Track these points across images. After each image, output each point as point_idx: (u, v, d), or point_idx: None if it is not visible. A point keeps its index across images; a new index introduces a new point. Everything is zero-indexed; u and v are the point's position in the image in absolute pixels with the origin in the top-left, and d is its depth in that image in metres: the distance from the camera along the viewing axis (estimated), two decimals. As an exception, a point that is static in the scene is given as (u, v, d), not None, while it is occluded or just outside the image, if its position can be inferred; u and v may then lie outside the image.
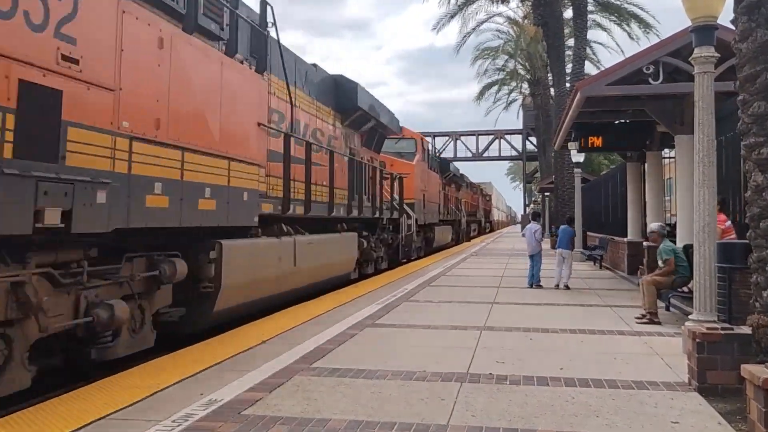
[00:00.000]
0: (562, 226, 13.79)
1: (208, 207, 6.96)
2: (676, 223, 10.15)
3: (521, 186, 75.95)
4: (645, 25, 30.21)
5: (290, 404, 4.47)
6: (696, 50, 5.61)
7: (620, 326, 7.90)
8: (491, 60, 46.08)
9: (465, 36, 36.38)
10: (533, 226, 13.21)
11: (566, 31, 30.15)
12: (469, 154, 64.61)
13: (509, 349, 6.46)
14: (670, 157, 14.65)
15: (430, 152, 26.24)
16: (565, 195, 26.48)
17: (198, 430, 3.95)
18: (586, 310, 9.36)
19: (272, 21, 8.99)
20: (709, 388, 4.79)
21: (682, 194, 9.96)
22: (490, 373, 5.37)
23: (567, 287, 12.07)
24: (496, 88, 50.84)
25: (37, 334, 4.83)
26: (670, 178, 16.57)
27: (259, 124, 8.45)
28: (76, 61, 4.92)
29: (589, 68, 34.29)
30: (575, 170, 21.64)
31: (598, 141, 15.54)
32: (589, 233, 21.84)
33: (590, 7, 28.33)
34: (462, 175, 39.33)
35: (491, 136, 64.13)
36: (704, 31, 5.59)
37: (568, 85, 25.49)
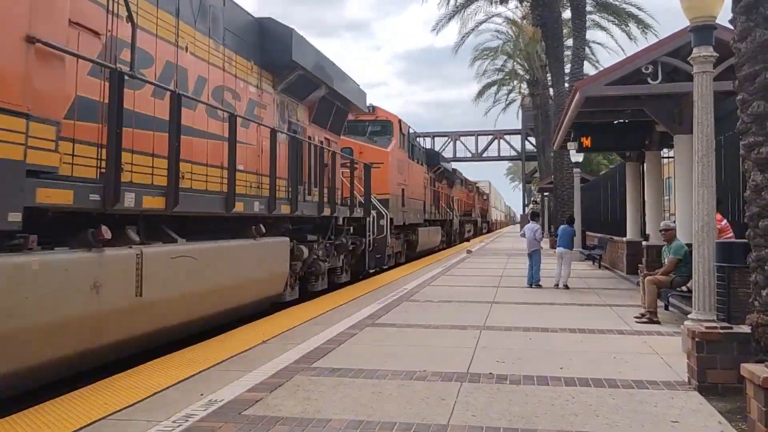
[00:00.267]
0: (562, 226, 13.80)
1: None
2: (675, 222, 10.14)
3: (521, 186, 75.99)
4: (644, 26, 30.25)
5: (290, 404, 4.47)
6: (695, 50, 5.62)
7: (620, 325, 7.91)
8: (490, 60, 46.16)
9: (464, 36, 36.48)
10: (533, 225, 13.24)
11: (565, 31, 30.17)
12: (469, 155, 64.65)
13: (509, 348, 6.47)
14: (669, 157, 14.68)
15: (414, 140, 22.51)
16: (564, 195, 26.49)
17: (198, 430, 3.95)
18: (586, 310, 9.37)
19: None
20: (708, 387, 4.80)
21: (681, 194, 9.97)
22: (491, 373, 5.37)
23: (566, 287, 12.08)
24: (495, 88, 50.88)
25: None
26: (669, 177, 16.60)
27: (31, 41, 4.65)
28: None
29: (588, 68, 34.32)
30: (574, 170, 21.67)
31: (597, 141, 15.56)
32: (588, 233, 21.86)
33: (589, 8, 28.35)
34: (455, 170, 36.71)
35: (490, 137, 64.18)
36: (703, 30, 5.60)
37: (567, 85, 25.51)
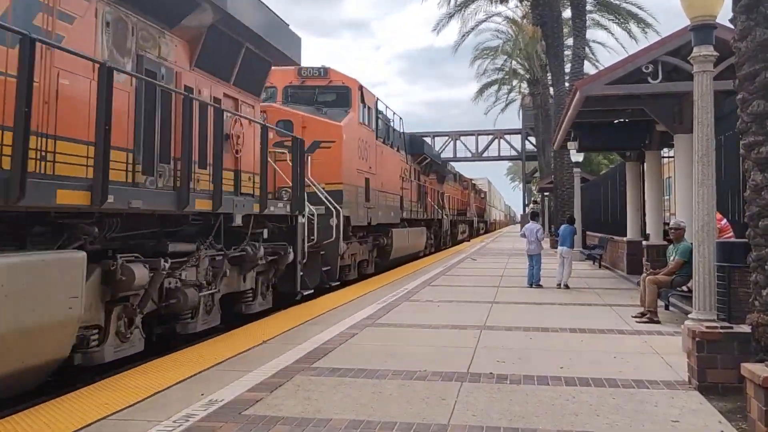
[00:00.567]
0: (563, 225, 13.79)
1: None
2: (683, 222, 10.12)
3: (521, 186, 75.97)
4: (644, 24, 30.24)
5: (291, 404, 4.47)
6: (695, 49, 5.61)
7: (620, 325, 7.91)
8: (490, 60, 46.14)
9: (464, 36, 36.50)
10: (534, 225, 13.19)
11: (565, 30, 30.16)
12: (469, 154, 64.62)
13: (509, 348, 6.47)
14: (669, 157, 14.68)
15: (386, 118, 17.93)
16: (564, 195, 26.48)
17: (199, 430, 3.95)
18: (586, 310, 9.37)
19: None
20: (709, 387, 4.80)
21: (682, 193, 9.97)
22: (491, 373, 5.37)
23: (567, 286, 12.08)
24: (495, 87, 50.85)
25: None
26: (669, 177, 16.60)
27: None
28: None
29: (588, 68, 34.30)
30: (574, 170, 21.67)
31: (597, 140, 15.58)
32: (588, 233, 21.86)
33: (589, 6, 28.35)
34: (446, 163, 33.33)
35: (491, 136, 64.14)
36: (703, 30, 5.59)
37: (567, 84, 25.49)
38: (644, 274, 9.06)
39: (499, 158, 67.67)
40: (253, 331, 7.38)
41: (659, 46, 9.94)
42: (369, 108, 15.17)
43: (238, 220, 7.96)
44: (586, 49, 31.98)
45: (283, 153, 10.56)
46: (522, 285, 12.45)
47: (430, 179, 25.88)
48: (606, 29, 34.78)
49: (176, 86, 7.01)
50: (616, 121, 14.13)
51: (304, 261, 10.22)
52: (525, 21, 37.13)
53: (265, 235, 9.00)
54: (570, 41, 28.56)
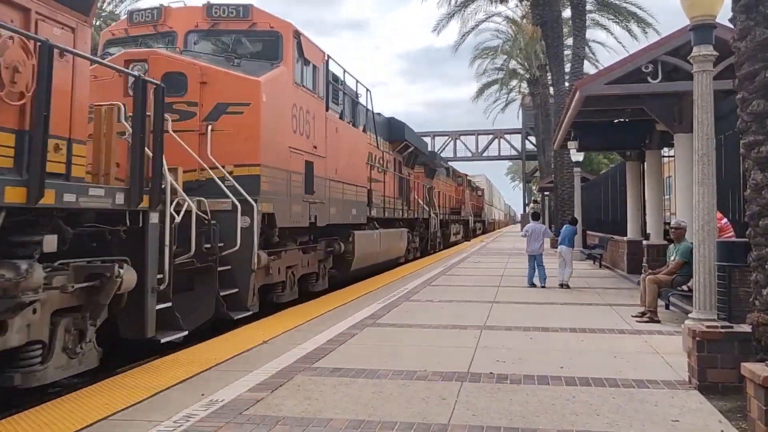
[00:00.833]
0: (565, 225, 13.76)
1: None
2: (684, 222, 10.13)
3: (521, 185, 76.00)
4: (644, 24, 30.23)
5: (291, 404, 4.48)
6: (695, 49, 5.61)
7: (620, 325, 7.91)
8: (490, 60, 46.14)
9: (464, 35, 36.47)
10: (539, 225, 13.09)
11: (565, 30, 30.15)
12: (469, 154, 64.64)
13: (510, 348, 6.47)
14: (669, 156, 14.67)
15: (351, 91, 14.08)
16: (564, 194, 26.48)
17: (199, 430, 3.95)
18: (587, 309, 9.37)
19: None
20: (709, 387, 4.80)
21: (682, 193, 9.97)
22: (491, 373, 5.37)
23: (567, 286, 12.08)
24: (495, 87, 50.88)
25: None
26: (669, 176, 16.59)
27: None
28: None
29: (588, 67, 34.31)
30: (575, 169, 21.66)
31: (597, 140, 15.58)
32: (588, 232, 21.86)
33: (589, 6, 28.34)
34: (434, 153, 29.30)
35: (491, 136, 64.17)
36: (703, 29, 5.59)
37: (567, 84, 25.49)
38: (644, 274, 9.06)
39: (499, 158, 67.72)
40: (254, 331, 7.38)
41: (659, 46, 9.94)
42: (314, 67, 10.88)
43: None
44: (586, 48, 31.98)
45: (175, 118, 7.73)
46: (522, 285, 12.44)
47: (417, 172, 22.51)
48: (606, 29, 34.81)
49: None
50: (616, 121, 14.14)
51: (164, 287, 6.09)
52: (525, 21, 37.19)
53: (53, 247, 4.84)
54: (570, 41, 28.56)
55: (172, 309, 6.32)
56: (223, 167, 8.11)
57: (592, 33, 36.33)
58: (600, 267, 17.32)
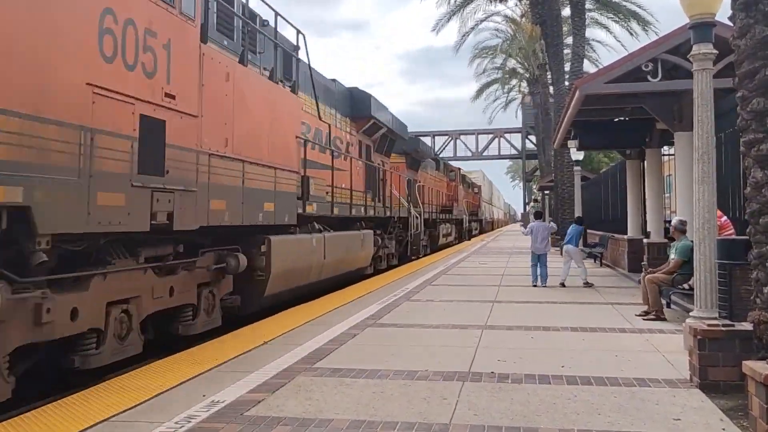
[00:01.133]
0: (571, 225, 13.75)
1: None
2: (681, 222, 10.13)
3: (521, 185, 75.99)
4: (644, 23, 30.22)
5: (292, 405, 4.48)
6: (694, 47, 5.61)
7: (621, 324, 7.91)
8: (490, 59, 46.15)
9: (464, 36, 36.50)
10: (543, 224, 13.07)
11: (564, 29, 30.15)
12: (469, 153, 64.63)
13: (510, 347, 6.47)
14: (669, 154, 14.67)
15: (273, 32, 10.05)
16: (565, 193, 26.47)
17: (201, 431, 3.95)
18: (587, 308, 9.36)
19: None
20: (710, 385, 4.80)
21: (682, 191, 9.97)
22: (492, 372, 5.37)
23: (563, 285, 12.09)
24: (495, 87, 50.90)
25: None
26: (669, 175, 16.59)
27: None
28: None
29: (588, 66, 34.31)
30: (575, 168, 21.65)
31: (597, 139, 15.58)
32: (589, 231, 21.84)
33: (588, 5, 28.33)
34: (418, 139, 24.55)
35: (491, 135, 64.15)
36: (702, 28, 5.59)
37: (566, 83, 25.49)
38: (643, 273, 9.06)
39: (500, 157, 67.64)
40: (255, 331, 7.38)
41: (658, 45, 9.95)
42: None
43: None
44: (586, 47, 31.96)
45: None
46: (523, 284, 12.44)
47: (397, 162, 19.58)
48: (605, 28, 34.80)
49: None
50: (616, 120, 14.15)
51: None
52: (524, 20, 37.20)
53: None
54: (569, 40, 28.55)
55: None
56: None
57: (591, 32, 36.32)
58: (601, 265, 17.32)
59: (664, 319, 8.01)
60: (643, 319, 8.10)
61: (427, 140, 58.24)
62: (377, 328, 7.61)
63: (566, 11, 28.66)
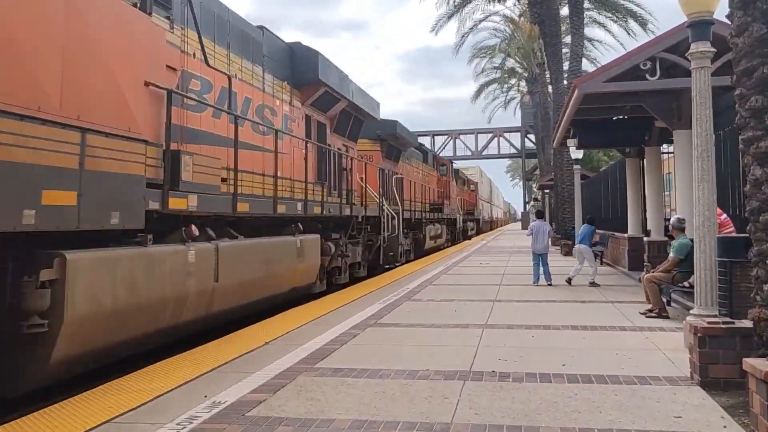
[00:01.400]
0: (584, 225, 13.74)
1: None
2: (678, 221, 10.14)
3: (521, 184, 76.00)
4: (641, 21, 30.23)
5: (294, 405, 4.48)
6: (692, 46, 5.63)
7: (622, 322, 7.91)
8: (488, 59, 46.18)
9: (463, 36, 36.55)
10: (543, 225, 13.10)
11: (563, 28, 30.15)
12: (469, 153, 64.66)
13: (511, 346, 6.47)
14: (668, 153, 14.69)
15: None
16: (564, 192, 26.47)
17: (203, 432, 3.96)
18: (588, 307, 9.37)
19: None
20: (711, 382, 4.81)
21: (682, 189, 9.98)
22: (493, 371, 5.38)
23: (569, 281, 12.13)
24: (494, 86, 50.91)
25: None
26: (669, 173, 16.61)
27: None
28: None
29: (587, 66, 34.35)
30: (574, 167, 21.61)
31: (596, 138, 15.58)
32: (589, 230, 21.84)
33: (587, 4, 28.34)
34: (395, 122, 18.59)
35: (490, 135, 64.21)
36: (700, 26, 5.61)
37: (565, 82, 25.50)
38: (644, 272, 9.08)
39: (499, 156, 67.74)
40: (256, 332, 7.39)
41: (657, 43, 9.96)
42: None
43: None
44: (585, 46, 31.97)
45: None
46: (523, 283, 12.45)
47: (369, 151, 16.71)
48: (604, 27, 34.81)
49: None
50: (615, 118, 14.16)
51: None
52: (522, 19, 37.19)
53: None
54: (568, 39, 28.56)
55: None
56: None
57: (590, 31, 36.32)
58: (601, 264, 17.32)
59: (667, 317, 8.02)
60: (646, 317, 8.11)
61: (427, 140, 58.38)
62: (378, 328, 7.61)
63: (564, 10, 28.66)
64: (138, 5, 6.46)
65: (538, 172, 51.51)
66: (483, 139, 64.83)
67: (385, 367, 5.54)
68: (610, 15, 31.91)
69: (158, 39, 6.70)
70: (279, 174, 9.70)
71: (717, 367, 4.82)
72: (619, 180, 17.31)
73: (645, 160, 14.45)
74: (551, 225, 28.69)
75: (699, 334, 4.89)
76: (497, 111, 67.02)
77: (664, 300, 8.51)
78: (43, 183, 4.83)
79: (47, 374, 5.12)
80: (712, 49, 5.63)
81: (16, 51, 4.68)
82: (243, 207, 8.31)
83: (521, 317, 8.34)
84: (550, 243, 13.08)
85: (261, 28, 10.22)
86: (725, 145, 8.24)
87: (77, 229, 5.22)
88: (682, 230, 8.38)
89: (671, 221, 8.82)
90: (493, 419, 4.14)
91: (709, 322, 4.97)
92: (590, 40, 39.37)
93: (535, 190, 60.25)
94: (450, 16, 33.29)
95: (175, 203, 6.69)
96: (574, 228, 21.20)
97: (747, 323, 4.74)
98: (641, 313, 8.33)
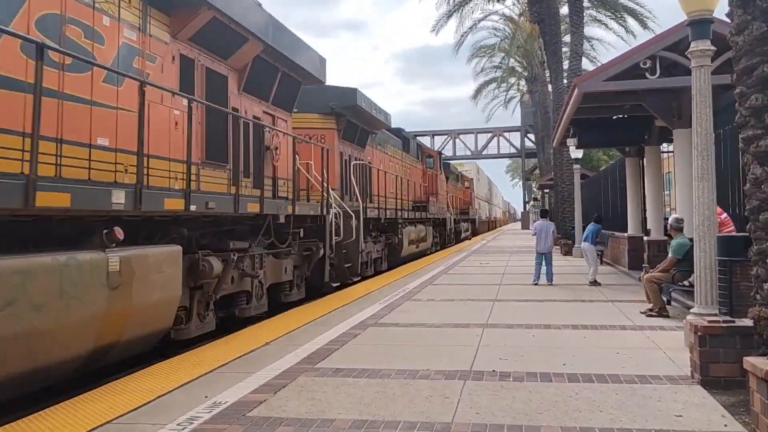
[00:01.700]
0: (590, 224, 13.72)
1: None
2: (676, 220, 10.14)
3: (521, 183, 76.01)
4: (641, 20, 30.23)
5: (295, 405, 4.48)
6: (692, 44, 5.62)
7: (622, 321, 7.91)
8: (488, 58, 46.18)
9: (463, 35, 36.55)
10: (548, 224, 13.09)
11: (563, 27, 30.15)
12: (468, 152, 64.66)
13: (512, 346, 6.47)
14: (668, 152, 14.69)
15: None
16: (564, 191, 26.48)
17: (203, 432, 3.96)
18: (588, 306, 9.37)
19: None
20: (711, 381, 4.81)
21: (682, 188, 9.98)
22: (494, 371, 5.38)
23: (597, 283, 12.15)
24: (493, 85, 50.89)
25: None
26: (669, 172, 16.60)
27: None
28: None
29: (587, 65, 34.35)
30: (574, 166, 21.66)
31: (596, 137, 15.58)
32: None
33: (586, 3, 28.34)
34: (355, 90, 14.21)
35: (490, 134, 64.21)
36: (700, 24, 5.60)
37: (565, 81, 25.50)
38: (643, 272, 9.09)
39: (499, 156, 67.74)
40: (256, 332, 7.39)
41: (657, 42, 9.95)
42: None
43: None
44: (585, 45, 31.97)
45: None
46: (524, 282, 12.44)
47: (319, 129, 13.31)
48: (604, 25, 34.81)
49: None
50: (615, 117, 14.15)
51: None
52: (522, 18, 37.20)
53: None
54: (568, 38, 28.56)
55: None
56: None
57: (590, 30, 36.30)
58: (601, 263, 17.30)
59: (667, 316, 8.02)
60: (646, 316, 8.11)
61: (427, 140, 58.34)
62: (379, 328, 7.61)
63: (564, 9, 28.66)
64: None
65: (537, 171, 51.50)
66: (483, 138, 64.87)
67: (385, 367, 5.54)
68: (610, 14, 31.92)
69: None
70: (108, 141, 5.79)
71: (717, 366, 4.82)
72: (618, 179, 17.30)
73: (645, 159, 14.45)
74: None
75: (699, 333, 4.89)
76: (497, 110, 66.86)
77: (664, 299, 8.52)
78: None
79: None
80: (712, 48, 5.63)
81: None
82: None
83: (521, 317, 8.34)
84: (553, 242, 13.07)
85: None
86: (725, 144, 8.24)
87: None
88: (680, 230, 8.39)
89: (669, 221, 8.83)
90: (494, 419, 4.14)
91: (709, 321, 4.97)
92: (590, 39, 39.39)
93: (534, 189, 60.28)
94: (449, 16, 33.36)
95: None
96: (573, 227, 21.22)
97: (747, 322, 4.74)
98: (642, 312, 8.34)
